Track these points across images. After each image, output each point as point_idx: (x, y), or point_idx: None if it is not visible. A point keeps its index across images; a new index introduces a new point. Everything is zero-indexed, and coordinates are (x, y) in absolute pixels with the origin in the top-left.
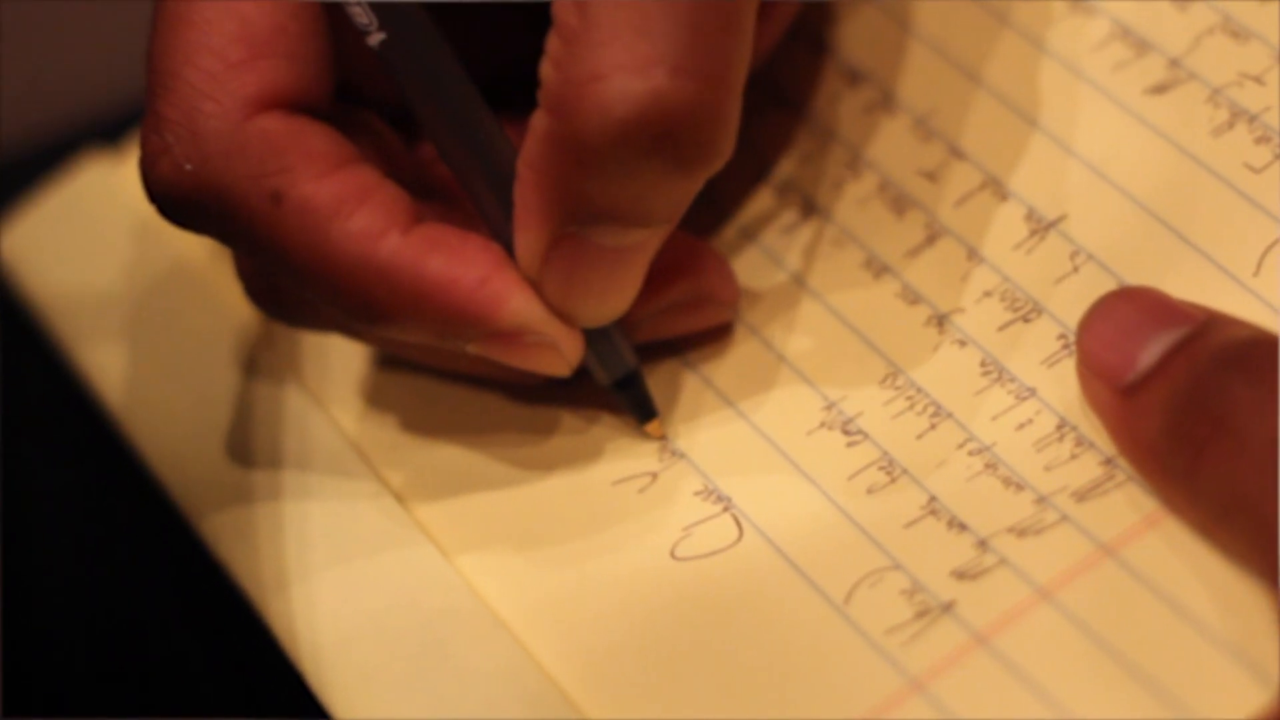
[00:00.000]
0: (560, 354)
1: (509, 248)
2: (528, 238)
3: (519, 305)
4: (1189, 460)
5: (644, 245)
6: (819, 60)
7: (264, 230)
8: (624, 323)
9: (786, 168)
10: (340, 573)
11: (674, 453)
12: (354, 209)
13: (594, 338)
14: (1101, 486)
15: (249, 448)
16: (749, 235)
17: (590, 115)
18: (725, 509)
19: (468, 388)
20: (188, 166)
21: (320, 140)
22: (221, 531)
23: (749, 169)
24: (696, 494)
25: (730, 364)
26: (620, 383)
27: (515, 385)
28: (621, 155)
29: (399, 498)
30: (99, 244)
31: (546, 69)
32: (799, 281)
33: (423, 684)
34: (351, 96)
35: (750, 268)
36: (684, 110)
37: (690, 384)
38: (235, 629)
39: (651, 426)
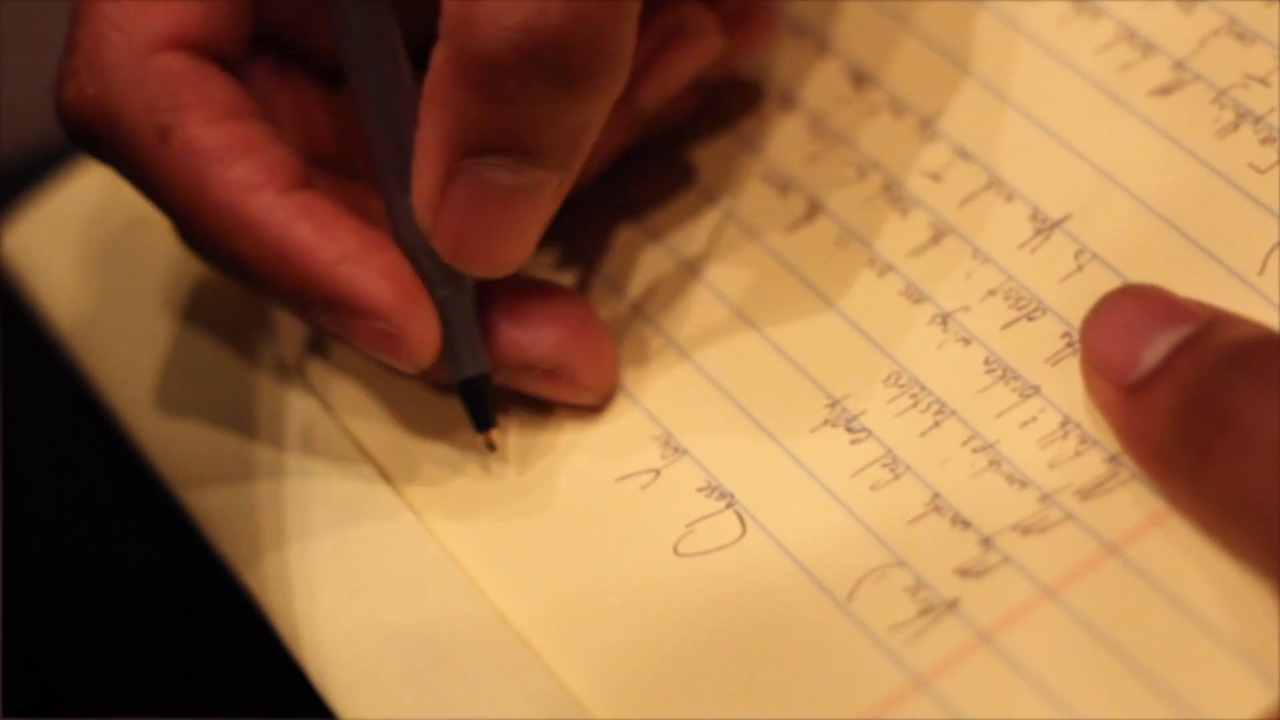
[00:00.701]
0: (406, 347)
1: (397, 215)
2: (424, 176)
3: (373, 288)
4: (1194, 459)
5: (540, 189)
6: (824, 61)
7: (148, 164)
8: (482, 332)
9: (791, 168)
10: (344, 573)
11: (677, 449)
12: (236, 158)
13: (450, 336)
14: (1106, 484)
15: (253, 448)
16: (753, 234)
17: (482, 31)
18: (728, 505)
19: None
20: (89, 91)
21: (218, 87)
22: (226, 532)
23: (753, 168)
24: (699, 490)
25: (734, 361)
26: (464, 384)
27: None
28: (512, 72)
29: (404, 499)
30: (101, 244)
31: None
32: (803, 280)
33: (428, 684)
34: (287, 47)
35: (754, 266)
36: (570, 26)
37: (693, 380)
38: (240, 630)
39: (491, 435)
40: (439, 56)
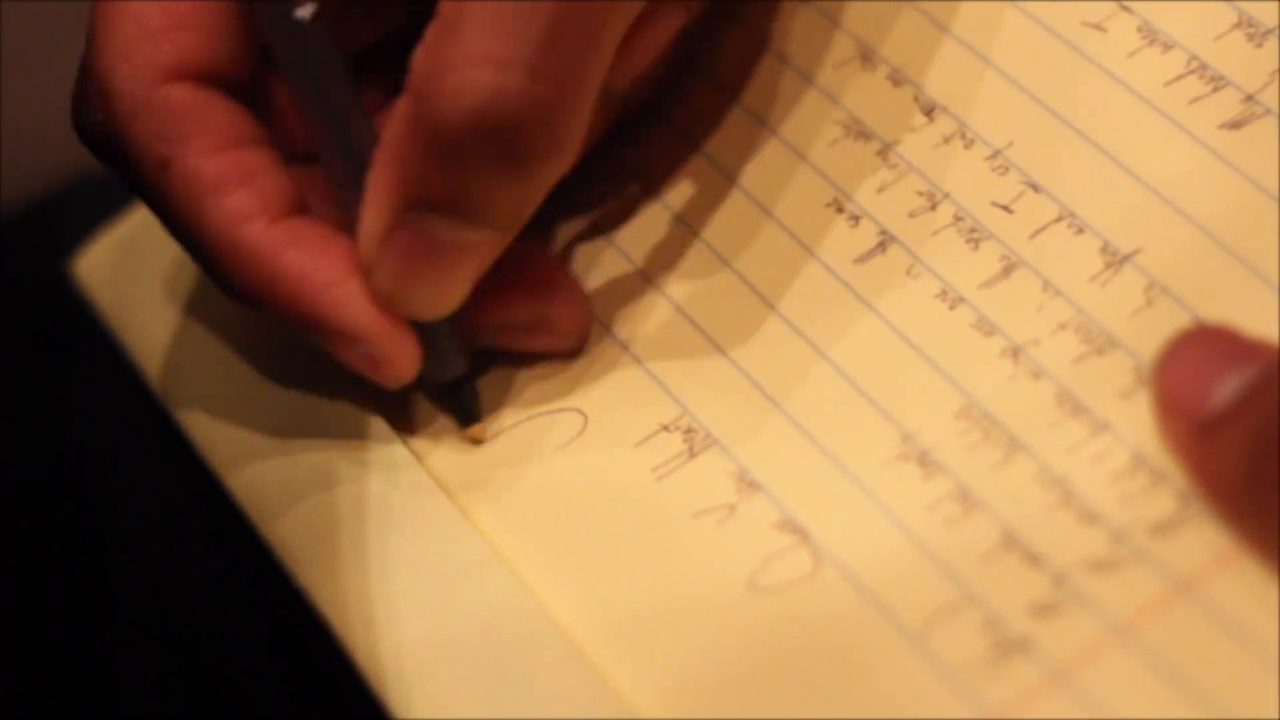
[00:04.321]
0: (389, 370)
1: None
2: (371, 218)
3: (359, 313)
4: (1265, 500)
5: (478, 248)
6: (897, 92)
7: (151, 191)
8: (460, 328)
9: (862, 198)
10: (420, 600)
11: (751, 484)
12: (232, 189)
13: (427, 337)
14: (1176, 522)
15: (327, 471)
16: (825, 265)
17: (442, 100)
18: (802, 540)
19: (548, 422)
20: (99, 117)
21: (220, 116)
22: (300, 554)
23: (824, 198)
24: (774, 525)
25: (807, 394)
26: (447, 386)
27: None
28: (465, 144)
29: (479, 528)
30: (177, 270)
31: (418, 54)
32: (874, 311)
33: (501, 712)
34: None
35: (826, 296)
36: (526, 109)
37: (766, 413)
38: (314, 655)
39: (473, 430)
40: (400, 107)
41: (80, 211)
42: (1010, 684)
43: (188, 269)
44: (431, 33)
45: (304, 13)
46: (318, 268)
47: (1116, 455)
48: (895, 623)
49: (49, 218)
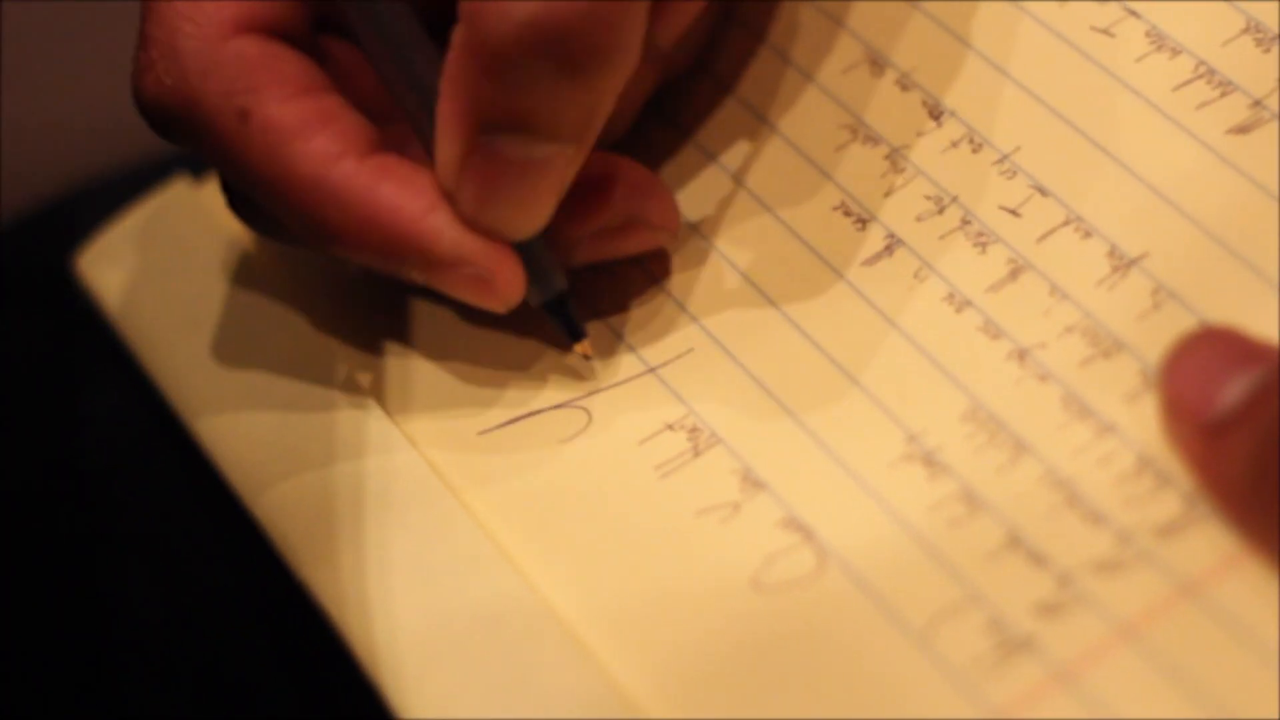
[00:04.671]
0: (495, 289)
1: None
2: (445, 147)
3: (458, 237)
4: (1270, 503)
5: (553, 161)
6: (906, 96)
7: (231, 145)
8: (556, 247)
9: (870, 201)
10: (422, 595)
11: (755, 483)
12: (315, 132)
13: (528, 263)
14: (1182, 524)
15: (330, 466)
16: (833, 268)
17: (493, 20)
18: (806, 539)
19: (552, 419)
20: (167, 81)
21: (291, 65)
22: (303, 551)
23: (832, 202)
24: (778, 524)
25: (812, 394)
26: (549, 305)
27: (597, 418)
28: (521, 59)
29: (483, 524)
30: (179, 263)
31: None
32: (881, 314)
33: (505, 711)
34: (332, 29)
35: (832, 299)
36: (577, 21)
37: (772, 414)
38: (321, 664)
39: (581, 346)
40: (457, 37)
41: (86, 216)
42: (1014, 684)
43: (191, 264)
44: None
45: None
46: (411, 198)
47: (1122, 457)
48: (899, 622)
49: (55, 222)
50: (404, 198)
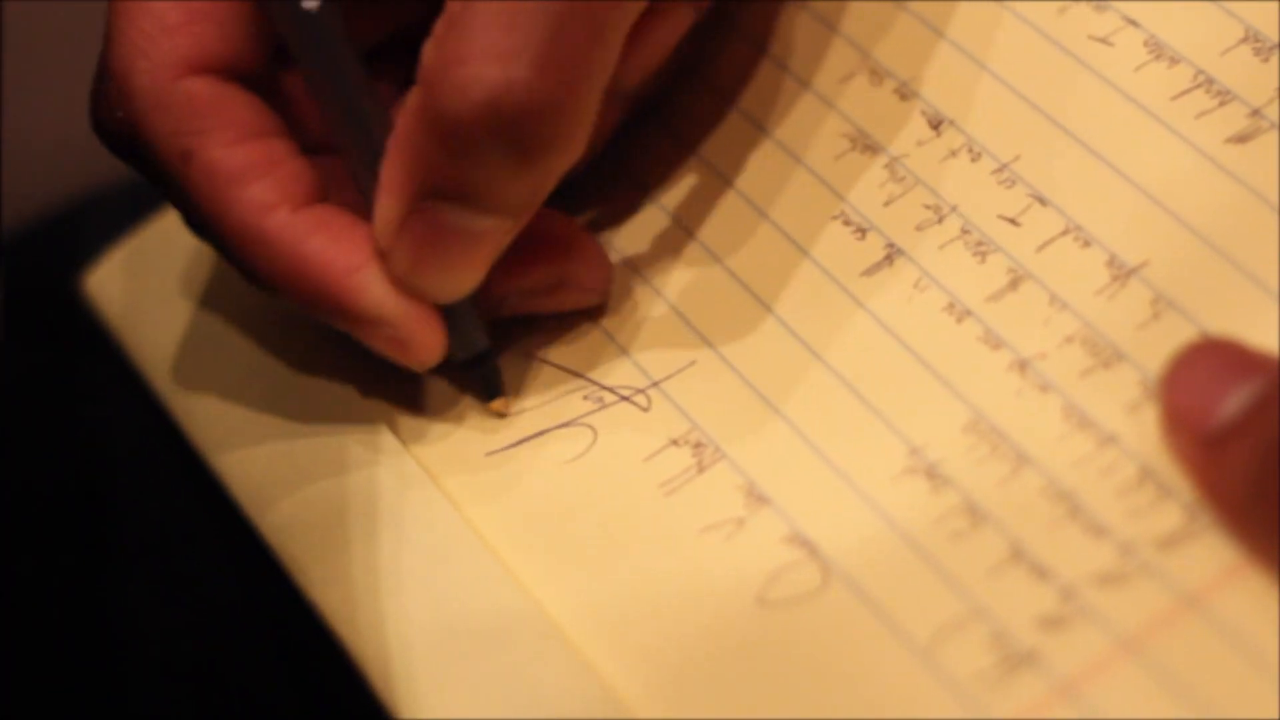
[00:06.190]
0: (412, 351)
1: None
2: (385, 205)
3: (381, 297)
4: (1271, 514)
5: (491, 234)
6: (904, 106)
7: (173, 183)
8: (483, 301)
9: (870, 211)
10: (428, 611)
11: (760, 498)
12: (253, 179)
13: (448, 317)
14: (1183, 535)
15: (334, 481)
16: (832, 278)
17: (450, 94)
18: (811, 554)
19: (558, 437)
20: (119, 114)
21: (239, 109)
22: (308, 567)
23: (831, 211)
24: (782, 539)
25: (814, 408)
26: (467, 364)
27: (602, 436)
28: (474, 136)
29: (488, 540)
30: (186, 282)
31: (428, 48)
32: (881, 324)
33: (487, 689)
34: (290, 63)
35: (832, 310)
36: (531, 102)
37: (774, 427)
38: (322, 669)
39: (496, 404)
40: (412, 101)
41: (91, 226)
42: (1018, 697)
43: (197, 284)
44: (440, 27)
45: (311, 4)
46: (340, 253)
47: (1124, 468)
48: (903, 636)
49: (60, 232)
50: (333, 252)
